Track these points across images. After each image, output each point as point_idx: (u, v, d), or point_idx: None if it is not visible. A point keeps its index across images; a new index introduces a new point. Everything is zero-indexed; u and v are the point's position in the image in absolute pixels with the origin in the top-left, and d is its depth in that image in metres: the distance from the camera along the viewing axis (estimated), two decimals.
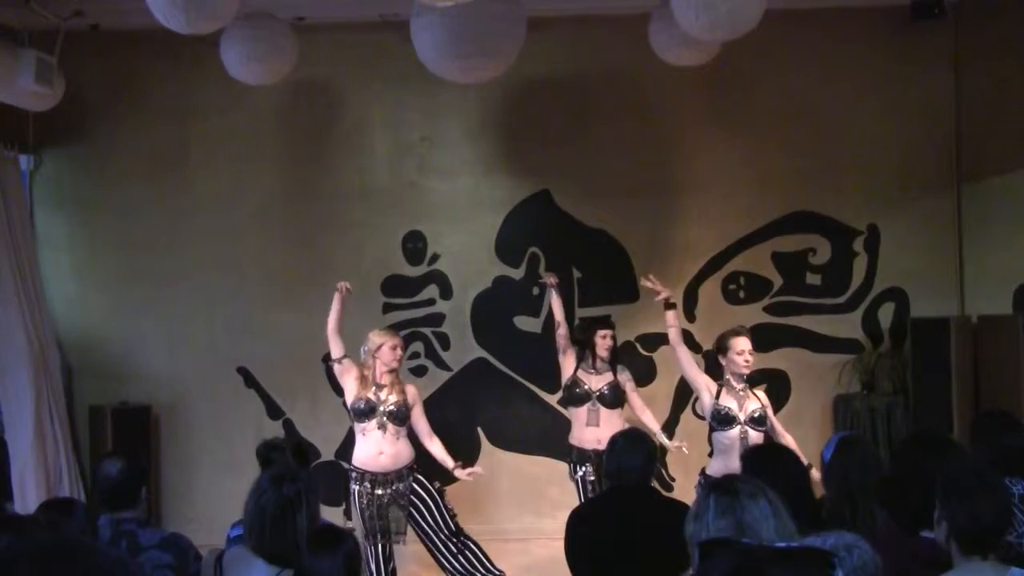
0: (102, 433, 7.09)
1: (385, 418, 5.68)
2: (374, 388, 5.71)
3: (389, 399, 5.70)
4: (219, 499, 6.66)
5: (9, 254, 6.76)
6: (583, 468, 6.05)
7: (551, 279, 6.36)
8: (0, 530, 3.17)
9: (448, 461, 5.83)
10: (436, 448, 5.85)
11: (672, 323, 5.69)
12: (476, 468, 5.98)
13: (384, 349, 5.75)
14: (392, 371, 5.76)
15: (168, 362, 7.41)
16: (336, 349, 5.82)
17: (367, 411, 5.68)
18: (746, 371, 5.54)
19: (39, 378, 6.83)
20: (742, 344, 5.55)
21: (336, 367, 5.84)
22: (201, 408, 7.42)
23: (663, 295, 5.78)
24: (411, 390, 5.85)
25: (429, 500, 5.77)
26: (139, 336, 7.42)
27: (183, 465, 7.40)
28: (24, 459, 6.73)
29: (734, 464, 5.26)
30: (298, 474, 3.30)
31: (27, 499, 6.48)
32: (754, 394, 5.57)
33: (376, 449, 5.68)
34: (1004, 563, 2.95)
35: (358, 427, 5.74)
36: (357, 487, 5.65)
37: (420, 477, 5.78)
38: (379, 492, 5.68)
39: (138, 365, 7.38)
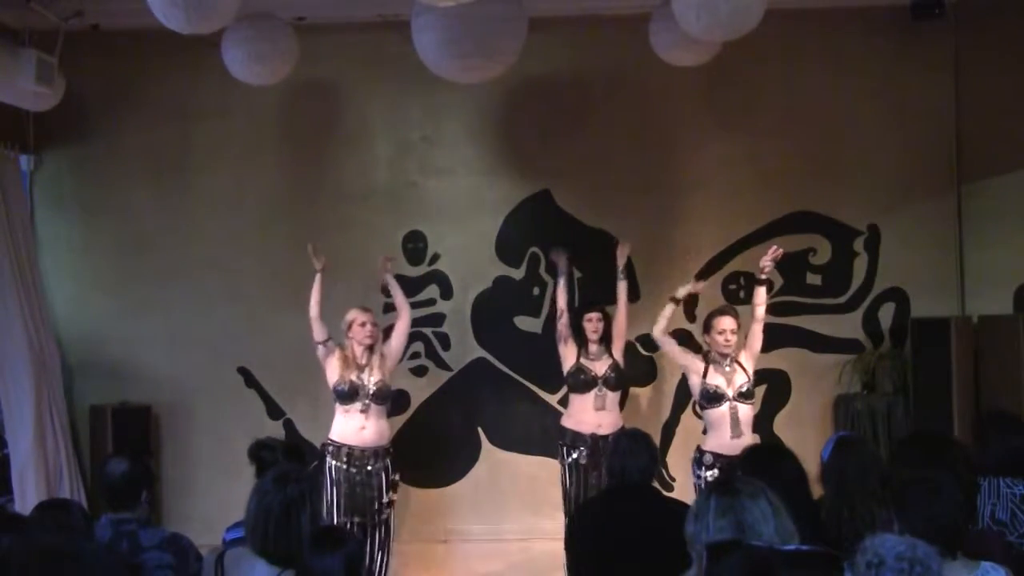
0: (102, 433, 7.09)
1: (368, 400, 5.80)
2: (356, 371, 5.80)
3: (371, 380, 5.80)
4: (219, 499, 6.65)
5: (9, 254, 6.75)
6: (576, 452, 6.10)
7: (561, 259, 6.37)
8: (0, 530, 3.18)
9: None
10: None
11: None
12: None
13: (355, 327, 5.88)
14: (369, 348, 5.84)
15: (168, 362, 7.40)
16: (319, 332, 5.89)
17: (350, 394, 5.81)
18: (727, 351, 5.66)
19: (39, 378, 6.83)
20: (724, 323, 5.69)
21: (320, 350, 5.89)
22: (201, 408, 7.41)
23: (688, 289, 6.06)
24: (387, 351, 5.95)
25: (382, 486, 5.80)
26: (139, 336, 7.40)
27: (183, 465, 7.39)
28: (24, 459, 6.73)
29: (725, 438, 5.45)
30: (301, 475, 3.31)
31: (27, 499, 6.49)
32: (740, 365, 5.65)
33: (359, 424, 5.78)
34: (976, 559, 2.96)
35: (340, 408, 5.85)
36: (335, 462, 5.70)
37: (389, 463, 5.83)
38: (353, 470, 5.71)
39: (138, 365, 7.36)
